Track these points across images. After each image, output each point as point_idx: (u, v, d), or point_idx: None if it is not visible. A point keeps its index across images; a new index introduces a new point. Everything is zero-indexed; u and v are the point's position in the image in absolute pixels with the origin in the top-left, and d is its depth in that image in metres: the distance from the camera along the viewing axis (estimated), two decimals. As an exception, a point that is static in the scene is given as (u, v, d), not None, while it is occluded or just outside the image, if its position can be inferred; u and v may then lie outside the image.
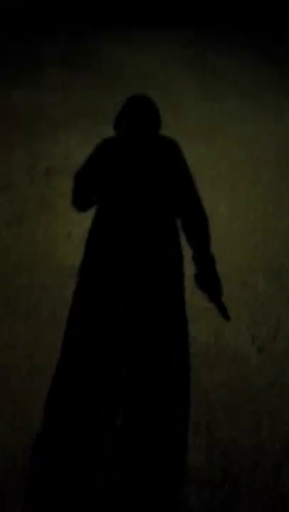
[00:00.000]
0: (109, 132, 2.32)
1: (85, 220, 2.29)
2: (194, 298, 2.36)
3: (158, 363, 1.59)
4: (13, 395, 2.08)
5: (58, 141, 3.25)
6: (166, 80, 4.60)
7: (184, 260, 1.95)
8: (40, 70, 4.44)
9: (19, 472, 1.74)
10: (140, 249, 1.66)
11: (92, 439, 1.50)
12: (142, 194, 1.73)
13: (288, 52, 6.36)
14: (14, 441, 1.93)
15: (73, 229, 2.60)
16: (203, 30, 6.85)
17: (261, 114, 4.26)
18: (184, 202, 1.86)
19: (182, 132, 3.27)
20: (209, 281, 1.93)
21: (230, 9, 7.86)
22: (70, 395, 1.57)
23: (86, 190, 1.86)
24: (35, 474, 1.51)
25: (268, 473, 2.03)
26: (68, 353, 1.64)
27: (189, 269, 2.31)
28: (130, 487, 1.48)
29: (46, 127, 3.47)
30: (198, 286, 1.95)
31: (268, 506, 1.92)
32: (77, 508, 1.44)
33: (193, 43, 5.93)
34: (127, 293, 1.63)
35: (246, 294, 2.53)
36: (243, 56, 5.74)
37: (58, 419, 1.58)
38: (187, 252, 2.12)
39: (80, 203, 1.90)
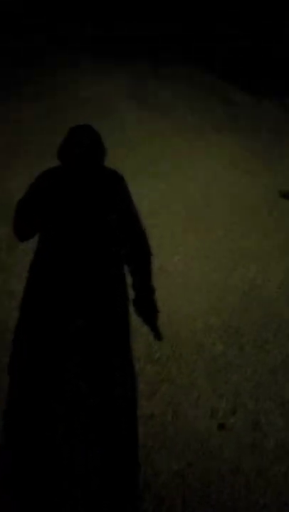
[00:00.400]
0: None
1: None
2: (147, 368, 2.07)
3: (112, 385, 1.60)
4: None
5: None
6: (113, 114, 4.23)
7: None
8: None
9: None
10: (91, 271, 1.57)
11: (49, 456, 1.48)
12: (91, 218, 1.63)
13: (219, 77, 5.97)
14: None
15: (16, 286, 2.24)
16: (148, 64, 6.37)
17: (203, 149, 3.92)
18: (128, 233, 1.74)
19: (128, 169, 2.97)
20: (146, 307, 1.87)
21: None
22: (26, 418, 1.53)
23: (29, 218, 1.74)
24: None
25: None
26: (23, 373, 1.55)
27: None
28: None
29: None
30: (135, 311, 1.92)
31: None
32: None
33: (139, 77, 5.50)
34: (79, 311, 1.53)
35: (203, 358, 2.22)
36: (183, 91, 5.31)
37: (13, 443, 1.54)
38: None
39: (22, 232, 1.78)
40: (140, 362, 2.05)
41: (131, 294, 1.95)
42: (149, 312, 1.97)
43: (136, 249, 1.86)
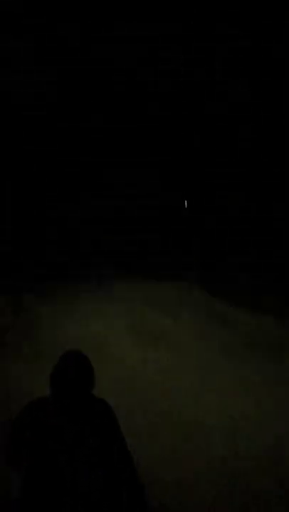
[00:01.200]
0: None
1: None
2: None
3: None
4: None
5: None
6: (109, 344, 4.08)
7: None
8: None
9: None
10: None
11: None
12: (79, 451, 1.58)
13: None
14: None
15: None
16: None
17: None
18: (119, 470, 1.64)
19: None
20: None
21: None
22: None
23: (16, 451, 1.69)
24: None
25: None
26: None
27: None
28: None
29: None
30: None
31: None
32: None
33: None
34: None
35: None
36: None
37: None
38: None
39: (12, 462, 1.72)
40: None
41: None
42: None
43: (128, 490, 1.72)
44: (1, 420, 2.19)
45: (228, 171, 7.72)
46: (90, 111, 9.04)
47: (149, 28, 8.54)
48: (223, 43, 7.71)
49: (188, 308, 5.31)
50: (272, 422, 2.97)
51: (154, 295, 5.76)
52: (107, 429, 1.64)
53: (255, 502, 2.29)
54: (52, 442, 1.55)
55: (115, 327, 4.51)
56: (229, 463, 2.51)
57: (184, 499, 2.30)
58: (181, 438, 2.74)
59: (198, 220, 8.40)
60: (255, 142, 7.43)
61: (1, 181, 7.92)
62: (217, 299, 5.79)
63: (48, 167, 8.35)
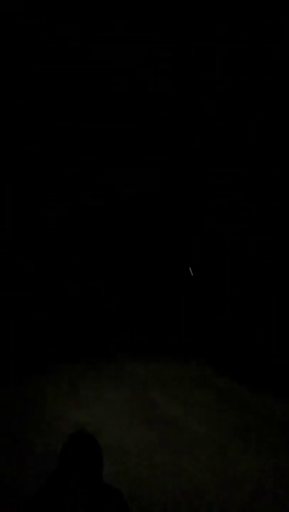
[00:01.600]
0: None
1: None
2: None
3: None
4: None
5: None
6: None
7: None
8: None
9: None
10: None
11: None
12: None
13: None
14: None
15: None
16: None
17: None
18: None
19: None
20: None
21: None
22: None
23: None
24: None
25: None
26: None
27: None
28: None
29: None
30: None
31: None
32: None
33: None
34: None
35: None
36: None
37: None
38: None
39: None
40: None
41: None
42: None
43: None
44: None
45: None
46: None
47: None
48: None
49: (199, 388, 5.00)
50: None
51: (159, 373, 5.47)
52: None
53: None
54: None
55: (116, 412, 4.23)
56: None
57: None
58: None
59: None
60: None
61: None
62: (229, 377, 5.39)
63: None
